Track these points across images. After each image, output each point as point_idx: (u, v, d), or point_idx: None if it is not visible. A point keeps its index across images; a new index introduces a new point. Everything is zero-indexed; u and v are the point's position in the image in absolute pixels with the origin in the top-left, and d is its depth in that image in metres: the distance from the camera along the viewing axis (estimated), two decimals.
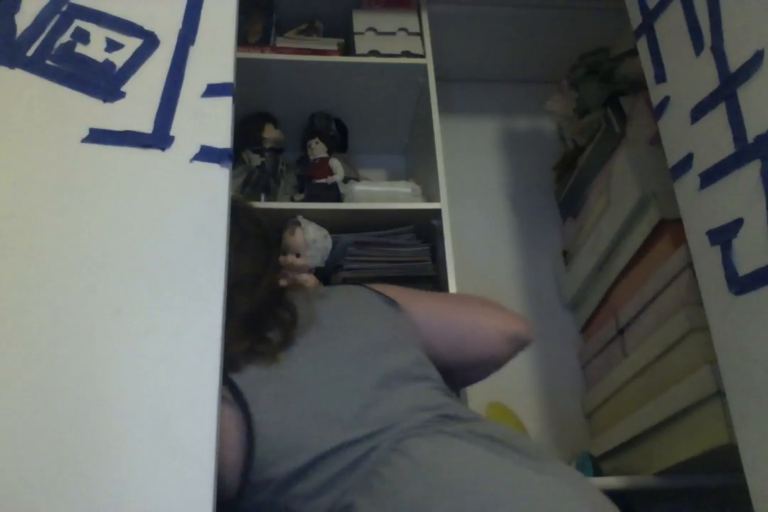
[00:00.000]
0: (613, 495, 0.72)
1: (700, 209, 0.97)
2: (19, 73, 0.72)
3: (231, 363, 0.74)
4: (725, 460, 0.98)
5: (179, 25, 0.78)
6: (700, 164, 0.96)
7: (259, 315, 0.82)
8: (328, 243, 1.38)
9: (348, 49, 1.59)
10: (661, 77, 1.07)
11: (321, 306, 0.88)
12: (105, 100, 0.73)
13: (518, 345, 0.95)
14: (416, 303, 0.93)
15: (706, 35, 0.95)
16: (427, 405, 0.78)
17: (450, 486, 0.66)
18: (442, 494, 0.66)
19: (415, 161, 1.69)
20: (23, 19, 0.75)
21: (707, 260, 0.94)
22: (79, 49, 0.75)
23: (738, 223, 0.88)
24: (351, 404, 0.76)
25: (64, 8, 0.76)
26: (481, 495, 0.65)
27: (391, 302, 0.91)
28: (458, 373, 0.97)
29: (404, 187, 1.48)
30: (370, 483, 0.69)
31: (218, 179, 0.71)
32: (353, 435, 0.73)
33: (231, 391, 0.73)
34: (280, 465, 0.71)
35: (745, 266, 0.87)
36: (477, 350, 0.93)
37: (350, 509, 0.69)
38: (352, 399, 0.76)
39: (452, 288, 1.28)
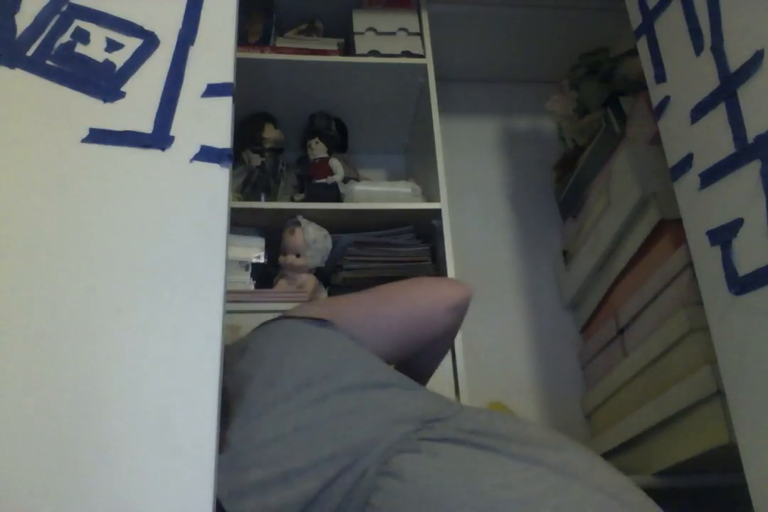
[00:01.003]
0: None
1: (700, 209, 0.97)
2: (19, 73, 0.72)
3: None
4: (725, 460, 0.99)
5: (179, 25, 0.78)
6: (700, 164, 0.96)
7: None
8: (328, 243, 1.38)
9: (348, 49, 1.59)
10: (661, 77, 1.07)
11: (247, 365, 0.82)
12: (105, 100, 0.73)
13: (457, 310, 0.91)
14: (345, 313, 0.90)
15: (706, 35, 0.95)
16: (402, 416, 0.75)
17: (444, 499, 0.64)
18: (438, 510, 0.63)
19: (415, 161, 1.69)
20: (23, 19, 0.75)
21: (707, 260, 0.94)
22: (79, 49, 0.75)
23: (738, 223, 0.88)
24: (317, 449, 0.71)
25: (64, 8, 0.76)
26: (478, 502, 0.63)
27: (321, 322, 0.87)
28: (419, 359, 0.95)
29: (404, 187, 1.48)
30: None
31: (218, 179, 0.71)
32: (329, 477, 0.69)
33: None
34: None
35: (745, 266, 0.87)
36: (421, 333, 0.90)
37: None
38: (316, 445, 0.72)
39: None
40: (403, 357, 0.91)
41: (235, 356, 0.84)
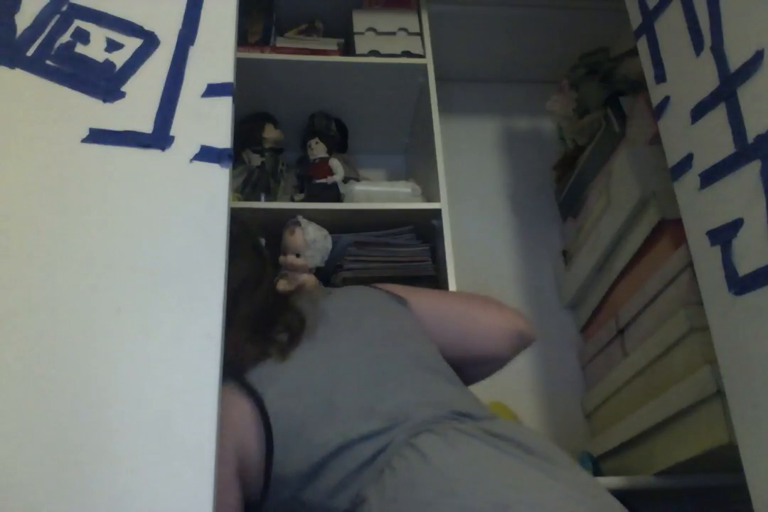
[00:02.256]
0: (613, 495, 0.72)
1: (700, 209, 0.97)
2: (19, 73, 0.72)
3: (242, 365, 0.76)
4: (725, 460, 0.98)
5: (179, 25, 0.78)
6: (700, 164, 0.96)
7: (265, 319, 0.83)
8: (328, 243, 1.38)
9: (348, 49, 1.59)
10: (661, 77, 1.07)
11: (327, 303, 0.89)
12: (105, 100, 0.73)
13: (521, 342, 0.95)
14: (420, 299, 0.94)
15: (706, 35, 0.95)
16: (439, 400, 0.78)
17: (459, 486, 0.66)
18: (451, 493, 0.66)
19: (415, 161, 1.69)
20: (23, 19, 0.75)
21: (707, 260, 0.94)
22: (79, 49, 0.75)
23: (738, 223, 0.88)
24: (361, 397, 0.76)
25: (64, 8, 0.76)
26: (490, 497, 0.65)
27: (399, 299, 0.91)
28: (462, 371, 0.97)
29: (404, 187, 1.48)
30: (382, 476, 0.70)
31: (218, 179, 0.71)
32: (367, 429, 0.73)
33: (244, 388, 0.75)
34: (298, 459, 0.72)
35: (745, 266, 0.87)
36: (480, 347, 0.93)
37: (364, 503, 0.69)
38: (361, 392, 0.77)
39: (452, 288, 1.28)
40: (450, 361, 0.92)
41: (318, 298, 0.91)
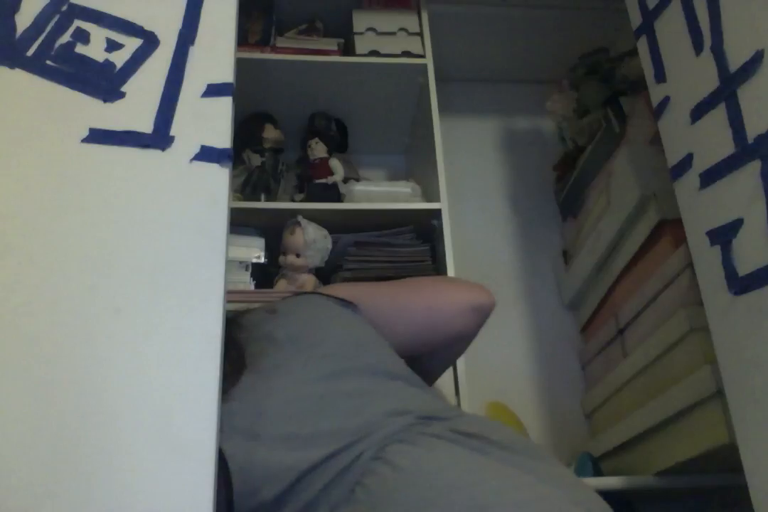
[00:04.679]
0: (613, 495, 0.73)
1: (700, 209, 0.97)
2: (19, 73, 0.72)
3: None
4: (725, 460, 0.99)
5: (179, 25, 0.78)
6: (700, 164, 0.96)
7: None
8: (328, 243, 1.38)
9: (348, 49, 1.59)
10: (661, 77, 1.07)
11: (274, 326, 0.85)
12: (105, 100, 0.73)
13: (481, 314, 0.93)
14: (371, 298, 0.91)
15: (706, 35, 0.95)
16: (404, 408, 0.76)
17: (436, 492, 0.65)
18: (429, 502, 0.64)
19: (415, 161, 1.69)
20: (23, 19, 0.75)
21: (707, 260, 0.94)
22: (79, 49, 0.75)
23: (738, 223, 0.88)
24: (323, 420, 0.74)
25: (64, 8, 0.76)
26: (470, 500, 0.64)
27: (347, 303, 0.89)
28: (432, 358, 0.96)
29: (404, 187, 1.48)
30: (354, 494, 0.68)
31: (218, 179, 0.71)
32: (331, 449, 0.71)
33: None
34: (262, 493, 0.70)
35: (745, 266, 0.87)
36: (443, 329, 0.91)
37: None
38: (323, 415, 0.74)
39: None
40: (416, 352, 0.91)
41: (264, 316, 0.87)
